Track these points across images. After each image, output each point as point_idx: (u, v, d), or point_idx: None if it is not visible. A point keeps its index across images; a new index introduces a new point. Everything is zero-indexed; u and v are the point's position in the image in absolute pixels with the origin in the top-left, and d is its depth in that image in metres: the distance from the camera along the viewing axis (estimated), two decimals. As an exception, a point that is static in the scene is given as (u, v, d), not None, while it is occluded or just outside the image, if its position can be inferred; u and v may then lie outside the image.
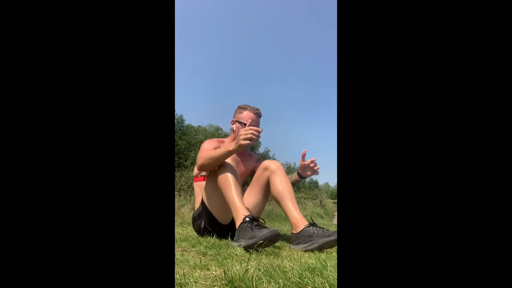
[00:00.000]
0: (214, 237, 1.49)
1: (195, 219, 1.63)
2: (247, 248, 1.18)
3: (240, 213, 1.31)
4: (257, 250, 1.15)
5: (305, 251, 1.33)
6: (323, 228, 1.38)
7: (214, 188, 1.47)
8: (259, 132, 1.31)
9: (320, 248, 1.32)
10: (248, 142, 1.30)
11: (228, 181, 1.37)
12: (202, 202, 1.59)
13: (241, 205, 1.34)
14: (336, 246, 1.38)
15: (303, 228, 1.38)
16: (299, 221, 1.42)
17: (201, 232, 1.60)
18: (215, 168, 1.44)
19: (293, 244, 1.41)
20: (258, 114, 1.67)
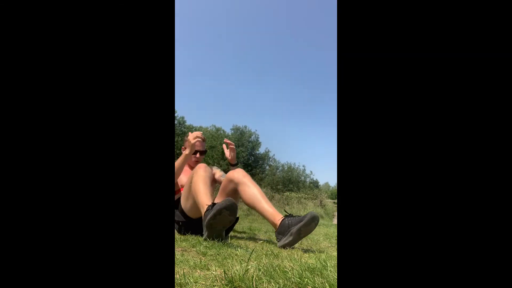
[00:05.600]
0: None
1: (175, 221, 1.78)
2: (207, 227, 1.28)
3: (205, 207, 1.38)
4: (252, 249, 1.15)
5: (287, 244, 1.38)
6: (297, 216, 1.44)
7: (187, 192, 1.65)
8: (201, 136, 1.78)
9: (299, 235, 1.37)
10: (197, 139, 1.71)
11: (198, 185, 1.52)
12: (180, 204, 1.77)
13: (206, 200, 1.43)
14: (336, 246, 1.39)
15: (280, 223, 1.44)
16: (276, 216, 1.49)
17: (182, 231, 1.72)
18: (179, 174, 1.77)
19: (278, 241, 1.45)
20: (202, 140, 1.97)
